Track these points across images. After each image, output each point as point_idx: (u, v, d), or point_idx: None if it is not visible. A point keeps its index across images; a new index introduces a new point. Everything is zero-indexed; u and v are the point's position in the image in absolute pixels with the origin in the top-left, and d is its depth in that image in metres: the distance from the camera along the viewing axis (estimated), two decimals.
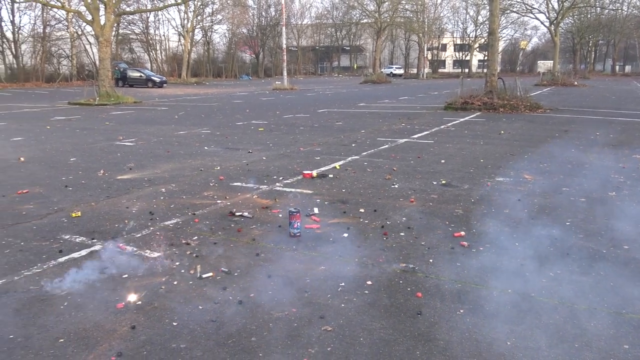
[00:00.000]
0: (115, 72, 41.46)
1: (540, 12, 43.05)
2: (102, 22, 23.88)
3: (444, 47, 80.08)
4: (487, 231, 4.71)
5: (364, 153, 8.94)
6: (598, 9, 53.28)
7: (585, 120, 14.46)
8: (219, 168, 7.73)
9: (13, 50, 41.95)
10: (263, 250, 4.23)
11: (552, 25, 39.92)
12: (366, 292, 3.47)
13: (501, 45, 77.14)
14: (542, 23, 46.25)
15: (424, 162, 8.05)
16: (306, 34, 76.16)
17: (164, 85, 39.99)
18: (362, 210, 5.39)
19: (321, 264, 3.94)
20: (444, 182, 6.69)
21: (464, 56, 74.61)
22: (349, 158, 8.47)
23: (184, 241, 4.45)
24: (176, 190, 6.38)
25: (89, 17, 24.47)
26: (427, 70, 67.03)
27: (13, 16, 41.88)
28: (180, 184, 6.68)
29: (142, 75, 40.27)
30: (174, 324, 3.04)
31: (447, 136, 10.93)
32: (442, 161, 8.05)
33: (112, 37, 50.39)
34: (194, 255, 4.14)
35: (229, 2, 49.60)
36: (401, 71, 71.65)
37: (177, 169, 7.69)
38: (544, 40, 69.22)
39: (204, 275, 3.70)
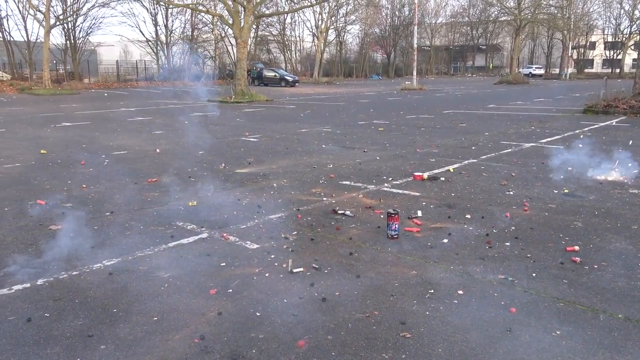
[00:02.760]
0: (252, 71, 44.03)
1: None
2: (242, 25, 25.38)
3: (592, 45, 73.64)
4: (605, 247, 4.26)
5: (483, 157, 8.53)
6: None
7: None
8: (331, 166, 7.84)
9: (165, 52, 46.09)
10: (357, 250, 4.22)
11: None
12: (455, 301, 3.31)
13: None
14: None
15: (548, 168, 7.48)
16: (440, 32, 74.44)
17: (296, 84, 41.45)
18: (468, 216, 5.16)
19: (414, 269, 3.84)
20: (566, 190, 6.17)
21: (615, 55, 68.03)
22: (466, 161, 8.14)
23: (283, 235, 4.59)
24: (287, 185, 6.58)
25: (230, 21, 26.11)
26: (571, 70, 62.16)
27: (166, 21, 46.04)
28: (291, 180, 6.88)
29: (276, 74, 42.12)
30: (258, 314, 3.14)
31: (580, 142, 10.05)
32: (569, 168, 7.42)
33: (251, 39, 53.43)
34: (290, 249, 4.24)
35: (362, 2, 49.98)
36: (542, 71, 67.19)
37: (291, 165, 7.94)
38: None
39: (294, 270, 3.78)
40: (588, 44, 71.76)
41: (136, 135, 11.83)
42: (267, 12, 43.92)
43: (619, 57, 65.63)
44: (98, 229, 4.81)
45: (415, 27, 37.17)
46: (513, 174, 7.08)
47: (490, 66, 75.89)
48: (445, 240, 4.44)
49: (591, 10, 65.14)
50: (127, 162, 8.36)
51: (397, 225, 4.47)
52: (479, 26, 71.86)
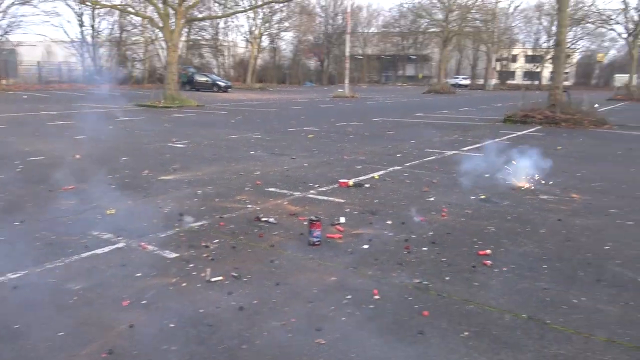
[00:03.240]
0: (182, 76, 43.12)
1: (617, 23, 40.91)
2: (172, 28, 24.84)
3: (514, 58, 77.62)
4: (515, 251, 4.49)
5: (408, 164, 8.77)
6: None
7: None
8: (258, 173, 7.80)
9: (91, 53, 44.35)
10: (279, 257, 4.21)
11: (630, 37, 37.83)
12: (371, 306, 3.38)
13: (576, 57, 74.01)
14: (619, 35, 43.92)
15: (468, 175, 7.79)
16: (372, 42, 76.02)
17: (229, 90, 40.99)
18: (389, 222, 5.28)
19: (333, 275, 3.88)
20: (483, 197, 6.45)
21: (534, 68, 72.00)
22: (391, 168, 8.34)
23: (203, 244, 4.51)
24: (212, 192, 6.49)
25: (160, 24, 25.49)
26: (494, 81, 65.20)
27: (93, 21, 44.32)
28: (217, 187, 6.79)
29: (209, 79, 41.52)
30: (171, 325, 3.07)
31: (498, 150, 10.54)
32: (487, 175, 7.76)
33: (183, 43, 52.38)
34: (210, 258, 4.17)
35: (296, 10, 50.33)
36: (467, 82, 70.12)
37: (218, 172, 7.83)
38: (623, 53, 65.70)
39: (212, 279, 3.72)
40: (510, 56, 75.58)
41: (55, 140, 11.29)
42: (199, 16, 43.25)
43: (539, 70, 69.50)
44: (5, 239, 4.54)
45: (348, 36, 37.77)
46: (434, 181, 7.33)
47: (420, 76, 78.32)
48: (366, 246, 4.52)
49: (513, 25, 68.64)
50: (43, 168, 7.96)
51: (319, 232, 4.51)
52: (409, 36, 74.00)
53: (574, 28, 54.66)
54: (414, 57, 79.30)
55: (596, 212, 5.86)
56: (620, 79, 42.60)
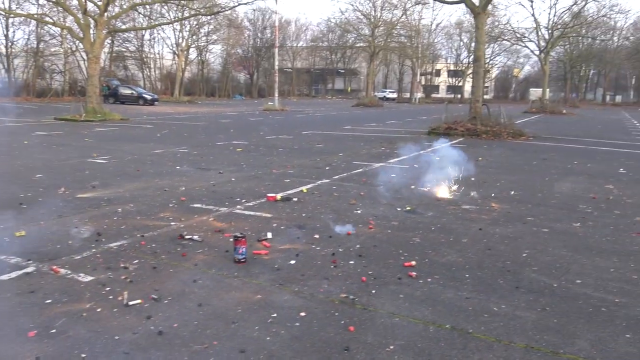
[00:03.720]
0: (103, 88, 41.56)
1: (530, 40, 43.54)
2: (93, 39, 23.92)
3: (437, 73, 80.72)
4: (439, 261, 4.57)
5: (336, 177, 8.82)
6: (589, 39, 53.96)
7: (566, 148, 14.45)
8: (184, 188, 7.58)
9: (5, 64, 41.89)
10: (202, 277, 4.07)
11: (542, 54, 40.34)
12: (297, 324, 3.31)
13: (494, 72, 77.99)
14: (532, 52, 46.76)
15: (394, 186, 7.93)
16: (301, 55, 76.74)
17: (155, 103, 39.91)
18: (317, 236, 5.25)
19: (258, 293, 3.78)
20: (408, 208, 6.57)
21: (457, 82, 75.18)
22: (319, 181, 8.35)
23: (122, 265, 4.28)
24: (133, 210, 6.21)
25: (81, 34, 24.49)
26: (420, 95, 67.47)
27: (7, 30, 41.92)
28: (138, 204, 6.52)
29: (134, 92, 40.24)
30: (83, 355, 2.86)
31: (423, 162, 10.83)
32: (412, 187, 7.93)
33: (107, 54, 50.59)
34: (129, 280, 3.96)
35: (224, 22, 49.87)
36: (394, 95, 72.17)
37: (140, 189, 7.53)
38: (537, 69, 69.96)
39: (130, 303, 3.52)
40: (434, 71, 78.54)
41: None
42: (123, 27, 41.99)
43: (460, 84, 72.59)
44: None
45: (277, 50, 37.89)
46: (362, 194, 7.39)
47: (349, 89, 79.78)
48: (293, 262, 4.46)
49: (435, 41, 71.47)
50: None
51: (244, 249, 4.40)
52: (337, 51, 75.30)
53: (492, 45, 57.68)
54: (342, 71, 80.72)
55: (514, 220, 6.10)
56: (535, 92, 45.25)
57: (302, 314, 3.45)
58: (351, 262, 4.50)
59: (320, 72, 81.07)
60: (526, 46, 46.60)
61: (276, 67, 36.69)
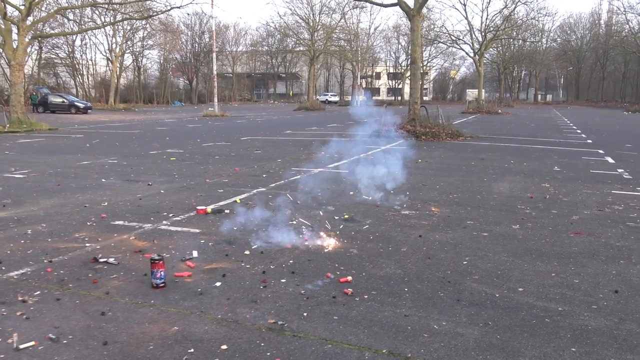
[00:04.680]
0: (33, 97, 39.50)
1: (465, 43, 44.69)
2: (15, 46, 22.51)
3: (378, 76, 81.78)
4: (377, 274, 4.29)
5: (273, 185, 8.45)
6: (520, 41, 56.02)
7: (502, 147, 14.67)
8: (106, 204, 7.00)
9: None
10: (113, 308, 3.60)
11: (477, 56, 41.46)
12: (216, 359, 2.92)
13: (432, 74, 79.83)
14: (467, 54, 48.03)
15: (333, 193, 7.64)
16: (241, 60, 75.82)
17: (89, 111, 38.23)
18: (247, 252, 4.86)
19: (176, 324, 3.36)
20: (346, 216, 6.28)
21: (397, 84, 76.35)
22: (255, 190, 7.96)
23: (20, 298, 3.75)
24: (44, 231, 5.62)
25: (1, 40, 23.01)
26: (361, 97, 67.95)
27: None
28: (52, 224, 5.92)
29: (65, 100, 38.44)
30: None
31: (364, 165, 10.62)
32: (351, 193, 7.67)
33: (35, 61, 48.17)
34: (25, 317, 3.45)
35: (159, 27, 48.47)
36: (336, 98, 72.48)
37: (57, 206, 6.90)
38: (472, 70, 72.11)
39: (21, 346, 3.03)
40: (374, 74, 79.49)
41: None
42: (51, 32, 40.04)
43: (400, 86, 73.74)
44: None
45: (215, 54, 37.11)
46: (299, 202, 7.05)
47: (291, 93, 79.50)
48: (218, 284, 4.06)
49: (374, 44, 72.35)
50: None
51: (162, 273, 3.96)
52: (278, 55, 74.90)
53: (429, 47, 58.91)
54: (283, 75, 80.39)
55: (454, 225, 5.92)
56: (472, 93, 46.48)
57: (224, 347, 3.06)
58: (283, 280, 4.15)
59: (261, 76, 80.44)
60: (461, 48, 47.84)
61: (214, 72, 35.93)
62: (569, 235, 5.53)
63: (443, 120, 17.38)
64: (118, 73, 50.49)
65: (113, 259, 4.60)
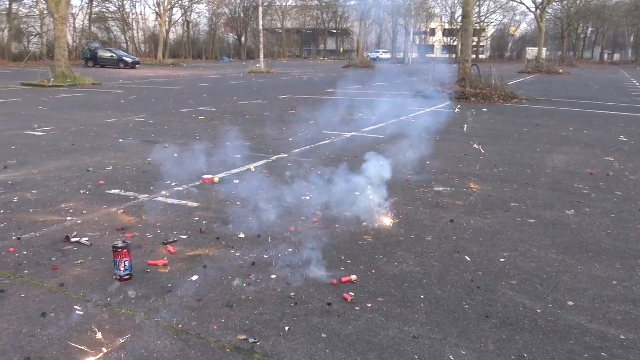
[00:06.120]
0: (85, 52, 39.87)
1: None
2: None
3: (432, 32, 78.50)
4: (388, 273, 3.50)
5: (297, 150, 7.69)
6: None
7: (561, 112, 13.29)
8: (111, 168, 6.45)
9: None
10: (59, 306, 2.99)
11: (538, 11, 38.58)
12: None
13: (490, 31, 75.78)
14: (528, 9, 44.86)
15: (360, 163, 6.80)
16: (291, 15, 74.20)
17: (137, 66, 38.28)
18: (242, 235, 4.15)
19: (126, 332, 2.71)
20: (369, 192, 5.45)
21: (452, 41, 72.99)
22: (275, 156, 7.23)
23: None
24: (31, 200, 5.10)
25: None
26: (414, 55, 65.55)
27: None
28: (43, 191, 5.40)
29: (114, 55, 38.61)
30: None
31: (402, 130, 9.68)
32: (381, 163, 6.79)
33: (85, 15, 48.50)
34: None
35: None
36: (388, 56, 70.07)
37: (60, 169, 6.40)
38: (533, 27, 67.85)
39: None
40: (429, 30, 76.28)
41: None
42: None
43: (455, 43, 70.47)
44: None
45: (261, 9, 36.07)
46: (319, 172, 6.25)
47: (341, 50, 77.52)
48: (195, 278, 3.38)
49: None
50: None
51: (127, 264, 3.31)
52: (328, 10, 72.80)
53: (487, 2, 55.57)
54: (334, 31, 78.34)
55: (495, 207, 5.02)
56: (531, 52, 43.57)
57: None
58: (273, 276, 3.43)
59: (311, 32, 78.67)
60: (522, 3, 44.69)
61: (261, 27, 34.97)
62: (636, 226, 4.53)
63: (496, 81, 15.98)
64: (167, 28, 50.27)
65: (87, 239, 4.00)
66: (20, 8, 42.34)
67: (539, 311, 3.02)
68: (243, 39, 66.05)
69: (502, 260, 3.76)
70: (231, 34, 68.43)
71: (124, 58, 38.53)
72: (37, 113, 12.20)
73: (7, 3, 40.69)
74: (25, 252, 3.76)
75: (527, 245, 4.04)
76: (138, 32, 55.49)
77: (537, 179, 6.16)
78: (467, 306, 3.07)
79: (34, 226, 4.32)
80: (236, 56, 64.06)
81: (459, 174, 6.34)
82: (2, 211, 4.73)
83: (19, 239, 4.02)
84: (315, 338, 2.71)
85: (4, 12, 40.88)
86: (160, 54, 48.38)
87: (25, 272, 3.44)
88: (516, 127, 10.44)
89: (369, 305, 3.06)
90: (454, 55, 68.18)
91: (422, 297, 3.18)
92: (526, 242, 4.12)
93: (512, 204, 5.12)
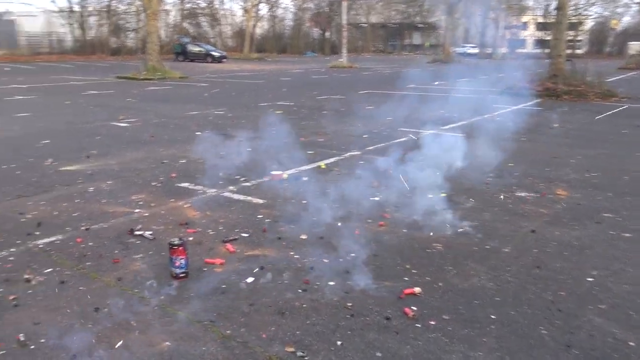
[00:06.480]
0: (176, 46, 41.57)
1: None
2: None
3: (524, 26, 74.83)
4: (457, 286, 3.19)
5: (371, 147, 7.45)
6: None
7: None
8: (184, 161, 6.53)
9: (81, 22, 42.85)
10: (113, 302, 2.96)
11: None
12: None
13: (589, 23, 71.16)
14: (631, 0, 41.48)
15: (435, 162, 6.44)
16: (376, 9, 73.44)
17: (224, 60, 39.36)
18: (304, 236, 3.99)
19: (171, 337, 2.62)
20: (443, 194, 5.13)
21: (545, 35, 69.25)
22: (348, 154, 7.02)
23: (27, 275, 3.26)
24: (105, 190, 5.22)
25: None
26: (503, 50, 62.81)
27: None
28: (118, 182, 5.53)
29: (202, 49, 39.94)
30: None
31: (485, 129, 9.14)
32: (458, 163, 6.40)
33: (178, 11, 50.58)
34: (14, 303, 2.93)
35: None
36: (476, 50, 67.63)
37: (136, 160, 6.57)
38: (637, 20, 62.96)
39: None
40: (520, 24, 72.83)
41: None
42: None
43: (549, 37, 66.86)
44: None
45: (344, 3, 35.83)
46: (390, 171, 5.98)
47: (427, 45, 75.80)
48: (250, 280, 3.25)
49: None
50: None
51: (183, 261, 3.24)
52: (414, 4, 71.36)
53: None
54: (420, 26, 76.72)
55: (584, 218, 4.53)
56: (634, 46, 40.35)
57: None
58: (331, 282, 3.23)
59: (397, 26, 77.47)
60: None
61: (344, 22, 34.80)
62: None
63: (593, 77, 14.81)
64: (253, 23, 51.38)
65: (150, 232, 4.00)
66: (118, 5, 44.78)
67: (632, 344, 2.62)
68: (327, 33, 66.25)
69: (589, 279, 3.33)
70: (316, 29, 68.82)
71: (212, 52, 39.76)
72: (125, 105, 12.74)
73: (107, 0, 43.18)
74: (90, 243, 3.81)
75: (620, 264, 3.58)
76: (226, 27, 57.14)
77: (636, 187, 5.54)
78: (545, 332, 2.72)
79: (103, 217, 4.40)
80: (320, 51, 64.36)
81: (545, 178, 5.83)
82: (77, 200, 4.86)
83: (87, 229, 4.09)
84: (369, 356, 2.48)
85: (104, 9, 43.45)
86: (246, 48, 49.51)
87: (87, 263, 3.47)
88: (613, 128, 9.56)
89: (432, 322, 2.79)
90: (547, 50, 64.84)
91: (493, 317, 2.86)
92: (620, 259, 3.65)
93: (605, 215, 4.60)
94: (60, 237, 3.93)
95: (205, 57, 38.99)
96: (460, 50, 63.52)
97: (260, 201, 4.88)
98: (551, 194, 5.24)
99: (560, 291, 3.16)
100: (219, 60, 38.77)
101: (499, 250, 3.78)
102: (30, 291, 3.07)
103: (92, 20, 44.09)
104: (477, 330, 2.72)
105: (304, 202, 4.85)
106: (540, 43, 73.07)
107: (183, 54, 39.99)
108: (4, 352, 2.47)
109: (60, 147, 7.38)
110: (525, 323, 2.80)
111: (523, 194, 5.20)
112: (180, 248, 3.21)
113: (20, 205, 4.68)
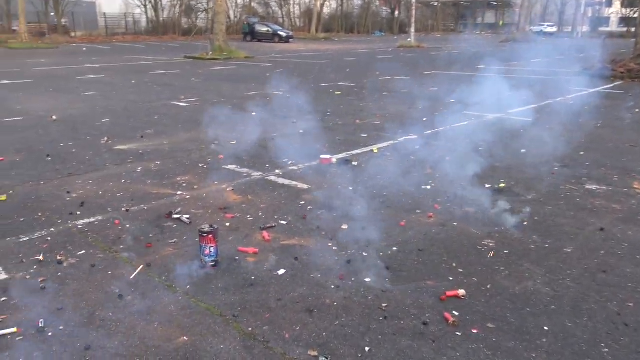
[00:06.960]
0: (244, 26, 41.94)
1: None
2: None
3: (609, 2, 70.01)
4: (507, 291, 2.87)
5: (429, 131, 7.06)
6: None
7: None
8: (234, 142, 6.43)
9: (154, 3, 44.06)
10: (138, 289, 2.86)
11: None
12: None
13: None
14: None
15: (498, 149, 6.01)
16: None
17: (290, 40, 39.31)
18: (345, 226, 3.75)
19: (190, 331, 2.48)
20: (502, 185, 4.74)
21: (631, 13, 64.47)
22: (403, 138, 6.68)
23: (59, 257, 3.23)
24: (153, 170, 5.20)
25: None
26: (584, 28, 59.14)
27: None
28: (167, 162, 5.50)
29: (269, 30, 40.04)
30: None
31: (556, 113, 8.51)
32: (523, 150, 5.95)
33: None
34: (42, 286, 2.89)
35: None
36: (554, 29, 64.07)
37: (188, 141, 6.54)
38: None
39: (0, 332, 2.44)
40: (604, 0, 68.22)
41: (60, 96, 10.45)
42: None
43: (636, 15, 62.19)
44: None
45: None
46: (448, 158, 5.61)
47: (501, 23, 72.55)
48: (282, 272, 3.08)
49: None
50: (5, 131, 7.00)
51: (213, 250, 3.10)
52: None
53: None
54: (494, 3, 73.47)
55: None
56: None
57: None
58: (367, 279, 2.99)
59: (469, 4, 74.64)
60: None
61: (413, 0, 33.75)
62: None
63: None
64: (321, 2, 50.96)
65: (187, 216, 3.90)
66: None
67: None
68: (397, 12, 64.72)
69: None
70: (385, 8, 67.40)
71: (279, 32, 39.77)
72: (188, 84, 12.88)
73: None
74: (128, 225, 3.76)
75: None
76: (294, 7, 57.07)
77: None
78: (607, 350, 2.37)
79: (145, 198, 4.35)
80: (389, 30, 63.08)
81: (620, 169, 5.28)
82: (124, 180, 4.86)
83: (127, 210, 4.05)
84: None
85: None
86: (313, 28, 49.27)
87: (121, 247, 3.41)
88: None
89: (475, 331, 2.50)
90: (633, 29, 60.29)
91: (546, 328, 2.53)
92: None
93: None
94: (100, 217, 3.91)
95: (273, 37, 39.06)
96: (536, 29, 60.44)
97: (305, 186, 4.68)
98: (626, 187, 4.72)
99: (628, 302, 2.78)
100: (286, 40, 38.74)
101: (560, 250, 3.39)
102: (59, 274, 3.03)
103: (165, 1, 45.20)
104: (525, 344, 2.41)
105: (350, 189, 4.61)
106: (626, 21, 68.30)
107: (251, 34, 40.26)
108: (21, 337, 2.42)
109: (118, 125, 7.50)
110: (584, 338, 2.45)
111: (593, 187, 4.71)
112: (210, 236, 3.07)
113: (69, 184, 4.72)
